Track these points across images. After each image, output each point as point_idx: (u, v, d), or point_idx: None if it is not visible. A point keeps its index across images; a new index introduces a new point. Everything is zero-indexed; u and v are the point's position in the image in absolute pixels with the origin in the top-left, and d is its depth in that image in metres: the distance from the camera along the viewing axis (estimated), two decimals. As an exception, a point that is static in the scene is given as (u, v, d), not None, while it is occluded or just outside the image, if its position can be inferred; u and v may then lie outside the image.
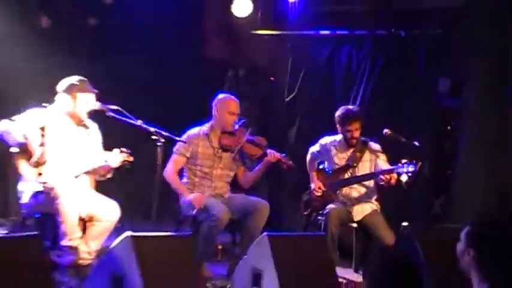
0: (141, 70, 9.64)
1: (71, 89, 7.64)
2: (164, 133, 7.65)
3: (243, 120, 8.46)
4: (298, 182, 9.34)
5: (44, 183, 7.30)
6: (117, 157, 7.63)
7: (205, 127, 8.44)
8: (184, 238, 7.50)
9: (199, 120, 8.48)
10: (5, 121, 7.41)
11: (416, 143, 8.34)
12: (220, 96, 8.55)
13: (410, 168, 7.92)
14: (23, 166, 7.47)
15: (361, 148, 8.49)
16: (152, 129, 7.57)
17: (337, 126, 8.45)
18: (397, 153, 8.48)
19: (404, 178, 7.96)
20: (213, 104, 8.47)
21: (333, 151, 8.59)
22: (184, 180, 8.44)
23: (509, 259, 4.24)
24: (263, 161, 8.32)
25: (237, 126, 8.37)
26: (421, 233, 7.58)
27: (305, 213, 8.66)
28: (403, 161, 7.98)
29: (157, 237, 7.25)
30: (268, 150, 8.31)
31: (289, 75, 10.71)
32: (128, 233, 6.62)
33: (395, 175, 8.12)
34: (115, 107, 7.66)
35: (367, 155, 8.49)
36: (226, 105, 8.38)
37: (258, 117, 9.46)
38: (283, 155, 8.33)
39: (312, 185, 8.61)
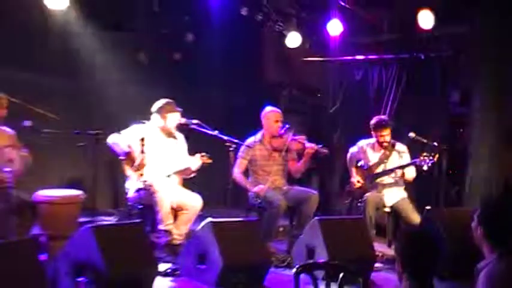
0: (215, 91, 9.77)
1: (161, 110, 7.99)
2: (234, 140, 8.01)
3: (286, 126, 8.54)
4: (344, 175, 9.38)
5: (145, 181, 7.63)
6: (198, 160, 7.86)
7: (258, 135, 8.63)
8: (252, 222, 7.82)
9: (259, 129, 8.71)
10: (113, 135, 7.79)
11: (435, 144, 8.40)
12: (267, 109, 8.73)
13: (429, 160, 8.03)
14: (128, 169, 7.82)
15: (391, 149, 8.57)
16: (225, 137, 7.94)
17: (372, 132, 8.56)
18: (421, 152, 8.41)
19: (425, 168, 8.10)
20: (262, 116, 8.68)
21: (368, 151, 8.71)
22: (250, 178, 8.64)
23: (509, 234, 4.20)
24: (305, 153, 8.46)
25: (282, 131, 8.54)
26: (440, 214, 7.74)
27: (347, 201, 8.72)
28: (424, 154, 8.09)
29: (231, 222, 7.66)
30: (307, 144, 8.43)
31: (332, 92, 10.71)
32: (209, 219, 7.12)
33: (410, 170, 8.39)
34: (196, 121, 8.03)
35: (395, 154, 8.58)
36: (272, 116, 8.58)
37: (309, 126, 9.51)
38: (320, 145, 8.45)
39: (352, 179, 8.72)
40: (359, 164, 8.69)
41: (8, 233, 6.67)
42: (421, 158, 8.16)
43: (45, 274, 6.00)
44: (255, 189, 8.29)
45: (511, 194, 8.09)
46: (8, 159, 6.93)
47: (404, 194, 8.59)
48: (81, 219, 7.70)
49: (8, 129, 7.36)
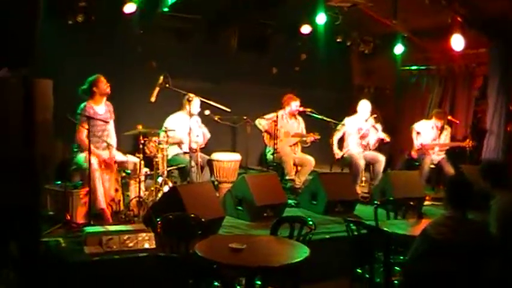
0: (321, 90, 9.63)
1: (286, 101, 8.12)
2: (334, 121, 8.07)
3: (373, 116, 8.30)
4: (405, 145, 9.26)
5: (276, 149, 7.74)
6: (311, 135, 7.98)
7: (352, 117, 8.31)
8: (345, 174, 7.91)
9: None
10: (258, 119, 7.97)
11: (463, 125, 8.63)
12: (362, 102, 8.40)
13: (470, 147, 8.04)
14: (267, 140, 7.98)
15: (441, 129, 8.36)
16: (328, 119, 7.98)
17: (434, 117, 8.36)
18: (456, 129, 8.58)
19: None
20: (358, 105, 8.34)
21: (428, 129, 8.40)
22: (344, 143, 8.28)
23: (506, 181, 4.37)
24: (377, 138, 8.24)
25: (368, 117, 8.22)
26: (466, 168, 7.53)
27: (408, 158, 8.59)
28: (468, 140, 8.09)
29: (333, 173, 7.89)
30: (381, 134, 8.20)
31: (397, 90, 10.52)
32: (318, 172, 7.22)
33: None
34: (309, 109, 8.04)
35: (444, 132, 8.39)
36: (362, 107, 8.32)
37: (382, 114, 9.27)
38: (385, 137, 8.23)
39: (415, 145, 8.45)
40: (420, 137, 8.41)
41: (197, 179, 6.87)
42: (466, 142, 8.10)
43: (219, 203, 6.27)
44: (336, 151, 8.17)
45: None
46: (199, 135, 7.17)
47: (445, 156, 8.35)
48: (239, 171, 7.79)
49: (197, 118, 7.47)
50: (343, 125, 8.27)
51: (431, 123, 8.44)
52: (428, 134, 8.44)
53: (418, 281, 3.48)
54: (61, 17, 7.34)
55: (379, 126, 8.30)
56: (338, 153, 8.21)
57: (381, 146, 8.55)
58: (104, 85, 6.16)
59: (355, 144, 8.26)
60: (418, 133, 8.52)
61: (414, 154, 8.49)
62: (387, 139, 8.31)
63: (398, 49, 8.99)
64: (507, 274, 3.72)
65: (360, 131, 8.26)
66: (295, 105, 8.10)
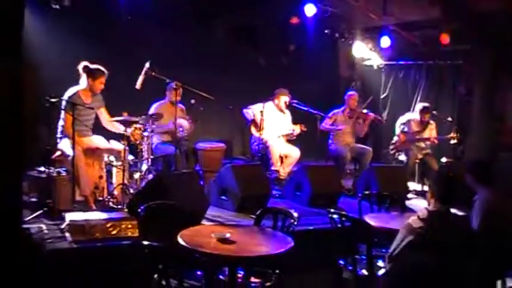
0: (309, 82, 9.45)
1: (275, 94, 8.10)
2: (320, 113, 8.07)
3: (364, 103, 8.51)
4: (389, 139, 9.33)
5: (262, 139, 7.76)
6: (297, 128, 8.00)
7: (341, 108, 8.39)
8: (332, 166, 7.83)
9: (340, 105, 8.48)
10: (245, 109, 7.98)
11: (450, 119, 8.43)
12: (349, 92, 8.60)
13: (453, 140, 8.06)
14: (253, 130, 7.96)
15: (426, 124, 8.34)
16: (315, 111, 7.99)
17: (417, 113, 8.35)
18: (441, 124, 8.56)
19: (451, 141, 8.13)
20: (346, 96, 8.43)
21: (412, 123, 8.38)
22: (330, 135, 8.36)
23: (489, 178, 4.35)
24: (367, 119, 8.32)
25: (357, 107, 8.40)
26: (451, 164, 7.72)
27: (392, 152, 8.52)
28: (451, 134, 8.08)
29: (319, 165, 7.89)
30: (370, 114, 8.31)
31: (384, 84, 10.56)
32: (303, 164, 7.33)
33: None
34: (296, 101, 8.05)
35: (429, 126, 8.37)
36: (352, 97, 8.37)
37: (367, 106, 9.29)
38: (379, 116, 8.44)
39: (397, 137, 8.43)
40: (405, 130, 8.38)
41: (182, 167, 6.90)
42: (450, 135, 8.11)
43: (203, 193, 6.36)
44: (338, 129, 8.20)
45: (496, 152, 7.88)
46: (180, 125, 7.03)
47: (430, 151, 8.37)
48: (224, 161, 7.81)
49: (181, 105, 7.44)
50: (334, 114, 8.32)
51: (415, 117, 8.45)
52: (412, 128, 8.45)
53: (400, 274, 3.50)
54: (46, 1, 7.25)
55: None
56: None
57: (367, 138, 8.59)
58: (99, 84, 6.18)
59: (345, 134, 8.31)
60: (402, 126, 8.50)
61: (397, 147, 8.48)
62: (379, 118, 8.45)
63: (385, 42, 9.00)
64: (487, 270, 3.77)
65: (347, 121, 8.31)
66: (284, 100, 8.08)
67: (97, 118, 6.40)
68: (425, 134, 8.40)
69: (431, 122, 8.47)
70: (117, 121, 6.26)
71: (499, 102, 7.76)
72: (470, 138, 8.19)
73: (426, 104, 8.53)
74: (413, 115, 8.53)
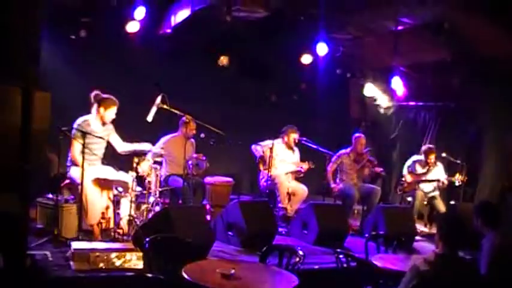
0: (319, 121, 9.70)
1: (285, 132, 8.09)
2: (329, 152, 8.08)
3: (368, 148, 8.40)
4: (397, 181, 9.30)
5: (271, 175, 7.70)
6: (306, 165, 7.96)
7: (348, 150, 8.32)
8: (340, 206, 7.75)
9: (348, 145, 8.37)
10: (254, 145, 7.95)
11: (458, 161, 8.28)
12: (357, 134, 8.49)
13: (459, 181, 7.98)
14: (262, 166, 7.93)
15: (433, 165, 8.30)
16: (324, 150, 8.03)
17: (422, 154, 8.32)
18: (450, 165, 8.50)
19: (456, 184, 8.04)
20: (353, 138, 8.38)
21: (417, 164, 8.40)
22: (338, 175, 8.29)
23: (497, 220, 4.38)
24: (373, 171, 8.32)
25: (364, 150, 8.33)
26: (459, 206, 7.64)
27: (399, 193, 8.50)
28: (457, 175, 8.00)
29: (326, 204, 7.75)
30: (377, 168, 8.31)
31: (394, 125, 10.49)
32: (310, 202, 7.24)
33: (446, 181, 8.17)
34: (305, 139, 8.07)
35: (435, 168, 8.34)
36: (358, 140, 8.35)
37: (377, 146, 9.37)
38: (382, 170, 8.38)
39: (405, 178, 8.39)
40: (411, 170, 8.38)
41: (190, 201, 6.86)
42: (455, 177, 8.05)
43: (210, 227, 6.31)
44: (332, 185, 8.13)
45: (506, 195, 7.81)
46: (194, 162, 7.06)
47: (437, 193, 8.32)
48: (232, 196, 7.83)
49: (192, 141, 7.46)
50: (339, 157, 8.27)
51: (420, 159, 8.42)
52: (417, 170, 8.42)
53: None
54: (64, 31, 7.43)
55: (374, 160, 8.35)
56: (335, 187, 8.18)
57: (374, 179, 8.54)
58: (111, 113, 6.19)
59: (352, 176, 8.25)
60: (409, 168, 8.49)
61: (405, 188, 8.44)
62: (383, 173, 8.37)
63: (396, 83, 9.06)
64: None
65: (354, 164, 8.27)
66: (293, 137, 8.09)
67: (107, 148, 6.39)
68: (432, 177, 8.33)
69: (438, 164, 8.41)
70: (126, 153, 6.27)
71: (510, 143, 7.75)
72: (480, 181, 8.17)
73: (431, 146, 8.53)
74: (419, 157, 8.50)
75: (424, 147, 8.50)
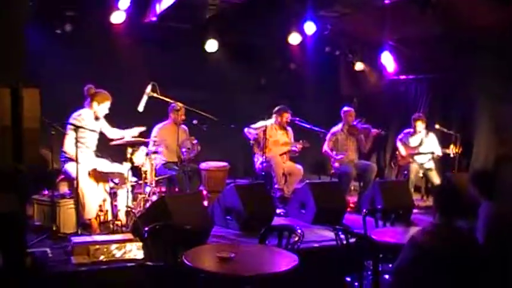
0: (309, 100, 9.66)
1: (277, 112, 8.10)
2: (322, 130, 8.09)
3: (358, 119, 8.37)
4: (392, 154, 9.34)
5: (266, 157, 7.68)
6: (299, 144, 7.98)
7: (340, 125, 8.33)
8: (335, 183, 7.80)
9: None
10: (247, 128, 7.92)
11: (452, 132, 8.29)
12: (345, 108, 8.44)
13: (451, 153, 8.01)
14: (256, 149, 7.95)
15: (425, 136, 8.33)
16: (317, 128, 8.03)
17: (412, 123, 8.33)
18: (444, 136, 8.48)
19: (451, 155, 8.06)
20: (341, 113, 8.36)
21: (409, 136, 8.39)
22: (335, 152, 8.18)
23: (493, 189, 4.26)
24: (370, 135, 8.25)
25: (355, 122, 8.32)
26: (455, 176, 7.61)
27: (395, 167, 8.55)
28: (451, 146, 8.03)
29: (322, 182, 7.85)
30: (372, 130, 8.25)
31: (385, 99, 10.45)
32: (306, 181, 7.25)
33: (440, 153, 8.18)
34: (298, 119, 8.09)
35: (428, 139, 8.36)
36: (348, 113, 8.35)
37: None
38: (379, 130, 8.26)
39: (401, 152, 8.41)
40: (403, 142, 8.36)
41: (187, 188, 6.86)
42: (450, 149, 8.07)
43: (207, 213, 6.32)
44: (335, 157, 8.06)
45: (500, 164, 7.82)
46: (187, 147, 7.02)
47: (433, 165, 8.32)
48: (228, 181, 7.82)
49: (185, 127, 7.47)
50: (333, 134, 8.24)
51: (411, 130, 8.43)
52: (411, 142, 8.42)
53: (406, 288, 3.48)
54: (49, 25, 7.39)
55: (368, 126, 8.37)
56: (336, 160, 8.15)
57: (371, 152, 8.47)
58: (104, 108, 6.19)
59: (348, 152, 8.25)
60: (402, 142, 8.49)
61: (399, 161, 8.45)
62: (382, 132, 8.37)
63: (386, 58, 9.02)
64: (494, 282, 3.75)
65: (348, 138, 8.28)
66: (286, 117, 8.09)
67: (100, 139, 6.38)
68: (426, 149, 8.34)
69: (430, 134, 8.42)
70: (119, 144, 6.24)
71: (503, 113, 7.75)
72: (475, 151, 8.18)
73: (420, 114, 8.54)
74: (410, 129, 8.50)
75: (414, 116, 8.46)
